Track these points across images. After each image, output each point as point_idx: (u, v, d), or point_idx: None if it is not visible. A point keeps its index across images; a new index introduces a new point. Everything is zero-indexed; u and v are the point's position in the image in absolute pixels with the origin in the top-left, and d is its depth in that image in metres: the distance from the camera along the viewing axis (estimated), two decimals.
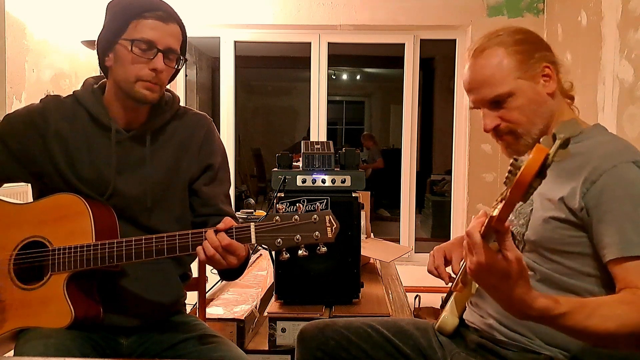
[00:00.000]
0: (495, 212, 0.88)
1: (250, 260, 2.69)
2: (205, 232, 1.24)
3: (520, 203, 1.23)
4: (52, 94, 1.46)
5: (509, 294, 0.95)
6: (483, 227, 0.95)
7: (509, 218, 1.25)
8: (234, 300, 2.16)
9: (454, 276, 1.34)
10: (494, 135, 1.28)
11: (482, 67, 1.24)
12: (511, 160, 0.85)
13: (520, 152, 1.25)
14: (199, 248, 1.23)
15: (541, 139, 0.83)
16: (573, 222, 1.13)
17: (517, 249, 0.94)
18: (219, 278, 1.50)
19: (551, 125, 1.24)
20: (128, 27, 1.33)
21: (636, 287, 1.04)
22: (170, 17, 1.35)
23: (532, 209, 1.21)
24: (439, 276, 1.40)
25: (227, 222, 1.24)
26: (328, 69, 3.93)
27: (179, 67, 1.41)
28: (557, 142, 0.81)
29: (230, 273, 1.40)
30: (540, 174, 0.81)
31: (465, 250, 0.98)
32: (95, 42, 1.39)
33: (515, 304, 0.96)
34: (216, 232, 1.23)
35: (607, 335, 0.99)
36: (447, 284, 1.37)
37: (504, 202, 0.86)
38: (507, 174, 0.86)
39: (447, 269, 1.40)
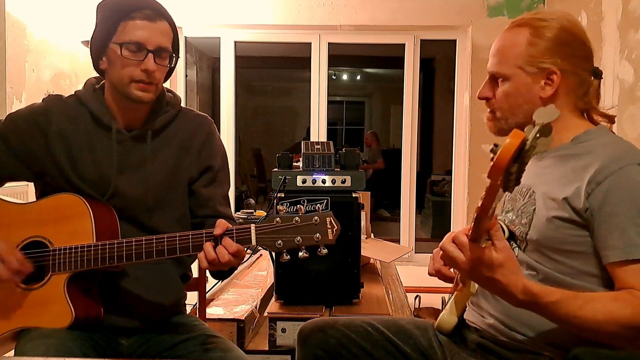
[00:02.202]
0: (480, 203, 0.90)
1: (248, 261, 2.70)
2: (205, 233, 1.24)
3: (520, 200, 1.24)
4: (52, 94, 1.46)
5: (503, 281, 1.03)
6: (472, 225, 1.01)
7: (510, 218, 1.26)
8: (234, 300, 2.17)
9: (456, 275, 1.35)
10: (485, 103, 1.32)
11: (504, 39, 1.27)
12: (491, 147, 0.85)
13: (495, 131, 1.31)
14: (201, 257, 1.22)
15: (525, 129, 0.83)
16: (577, 221, 1.14)
17: (504, 239, 1.03)
18: (212, 277, 1.50)
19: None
20: (117, 29, 1.32)
21: (633, 288, 1.05)
22: (159, 14, 1.34)
23: (534, 208, 1.21)
24: (443, 278, 1.39)
25: (221, 225, 1.23)
26: (328, 69, 3.94)
27: (172, 65, 1.40)
28: (536, 128, 0.81)
29: (224, 272, 1.40)
30: (517, 159, 0.80)
31: (455, 253, 1.06)
32: (89, 45, 1.38)
33: (510, 290, 1.03)
34: (220, 239, 1.22)
35: (596, 326, 1.03)
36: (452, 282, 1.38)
37: (485, 190, 0.87)
38: (490, 163, 0.86)
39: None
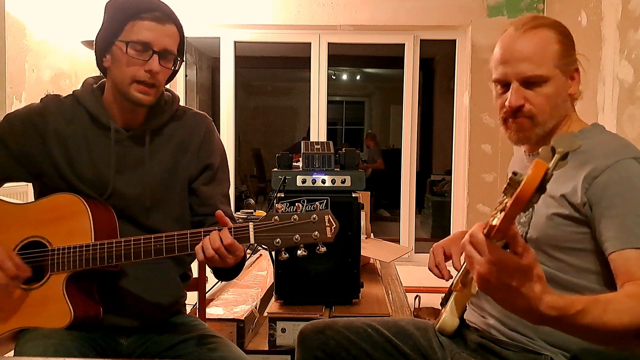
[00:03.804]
0: (496, 222, 0.87)
1: (248, 261, 2.69)
2: (204, 232, 1.23)
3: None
4: (51, 93, 1.46)
5: (524, 294, 0.88)
6: (486, 230, 0.90)
7: None
8: (233, 300, 2.16)
9: (455, 273, 1.34)
10: (508, 114, 1.24)
11: (530, 41, 1.21)
12: (510, 175, 0.84)
13: (530, 140, 1.25)
14: (198, 248, 1.22)
15: (540, 150, 0.83)
16: (576, 218, 1.14)
17: (525, 244, 0.88)
18: (216, 279, 1.49)
19: (560, 126, 1.26)
20: (124, 28, 1.33)
21: (635, 277, 1.03)
22: (167, 17, 1.35)
23: (533, 207, 1.21)
24: (439, 274, 1.40)
25: (219, 214, 1.24)
26: (328, 69, 3.93)
27: (176, 68, 1.40)
28: (557, 157, 0.81)
29: (226, 273, 1.40)
30: (540, 189, 0.81)
31: (469, 255, 0.92)
32: (94, 42, 1.39)
33: (533, 305, 0.89)
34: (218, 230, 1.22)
35: (623, 330, 0.95)
36: (447, 281, 1.37)
37: (503, 213, 0.85)
38: (506, 185, 0.85)
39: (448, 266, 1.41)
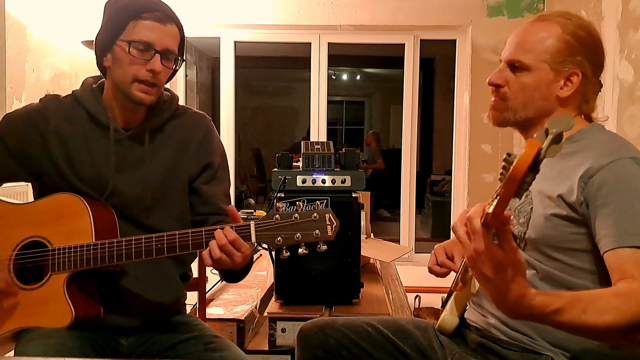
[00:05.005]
0: (491, 209, 0.88)
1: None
2: (205, 231, 1.24)
3: (517, 200, 1.24)
4: (50, 93, 1.47)
5: (501, 288, 0.91)
6: (482, 219, 0.92)
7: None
8: (234, 300, 2.17)
9: (455, 274, 1.35)
10: (492, 90, 1.29)
11: (531, 30, 1.24)
12: (504, 156, 0.85)
13: (497, 121, 1.29)
14: (205, 254, 1.22)
15: (535, 135, 0.83)
16: (574, 218, 1.14)
17: (514, 242, 0.91)
18: (221, 279, 1.49)
19: (536, 123, 1.26)
20: (126, 28, 1.33)
21: (632, 277, 1.02)
22: (168, 17, 1.35)
23: (532, 207, 1.21)
24: (441, 272, 1.39)
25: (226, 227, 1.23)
26: (328, 69, 3.94)
27: (177, 68, 1.41)
28: (550, 137, 0.81)
29: (235, 274, 1.39)
30: (533, 168, 0.81)
31: (462, 238, 0.96)
32: (94, 42, 1.39)
33: (509, 300, 0.92)
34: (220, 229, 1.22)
35: (605, 329, 0.96)
36: (447, 275, 1.38)
37: (498, 197, 0.86)
38: (501, 170, 0.86)
39: None
